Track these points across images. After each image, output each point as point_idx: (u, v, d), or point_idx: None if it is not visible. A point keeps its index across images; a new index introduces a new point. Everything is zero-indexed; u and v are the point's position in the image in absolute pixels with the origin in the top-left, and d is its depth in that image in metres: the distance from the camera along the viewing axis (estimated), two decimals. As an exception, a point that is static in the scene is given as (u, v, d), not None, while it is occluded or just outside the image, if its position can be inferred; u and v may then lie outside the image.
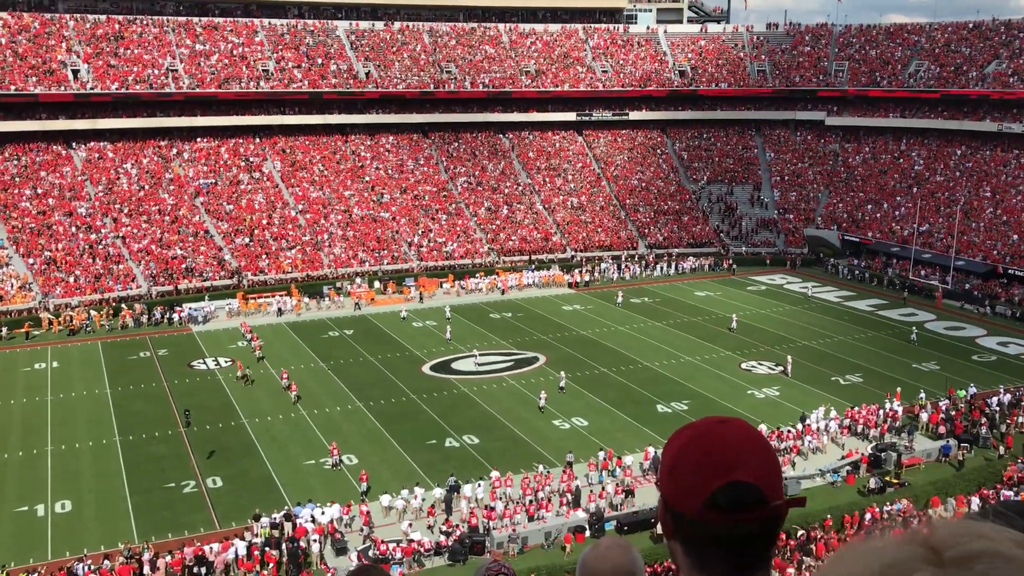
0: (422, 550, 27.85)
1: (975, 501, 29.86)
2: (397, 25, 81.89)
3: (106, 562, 26.72)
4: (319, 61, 75.86)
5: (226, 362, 46.72)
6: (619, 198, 77.17)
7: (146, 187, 65.64)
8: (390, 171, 74.17)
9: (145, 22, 73.02)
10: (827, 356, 48.13)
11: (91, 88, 67.03)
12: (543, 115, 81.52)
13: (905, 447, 35.24)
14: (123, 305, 54.50)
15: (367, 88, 75.64)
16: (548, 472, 32.53)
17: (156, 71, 69.90)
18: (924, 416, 37.91)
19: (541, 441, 36.68)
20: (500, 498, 30.85)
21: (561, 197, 76.05)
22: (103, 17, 72.26)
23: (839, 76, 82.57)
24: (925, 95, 76.59)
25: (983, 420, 37.37)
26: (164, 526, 29.66)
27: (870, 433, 36.89)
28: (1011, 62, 73.41)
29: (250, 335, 50.36)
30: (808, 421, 36.87)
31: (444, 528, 29.02)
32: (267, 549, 27.47)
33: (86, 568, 26.06)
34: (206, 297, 56.52)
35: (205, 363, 46.91)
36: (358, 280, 61.06)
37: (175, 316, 54.26)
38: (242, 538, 28.03)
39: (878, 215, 72.59)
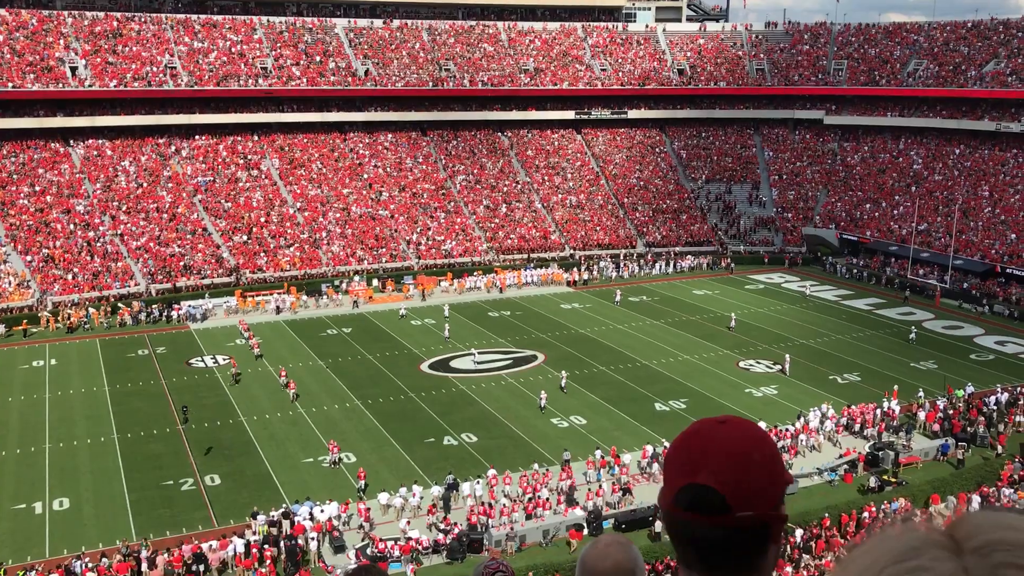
0: (420, 548, 27.88)
1: (975, 499, 29.93)
2: (396, 23, 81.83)
3: (104, 560, 26.73)
4: (318, 59, 75.78)
5: (224, 360, 46.73)
6: (618, 196, 77.16)
7: (144, 185, 65.58)
8: (388, 169, 74.13)
9: (143, 19, 72.91)
10: (825, 355, 48.17)
11: (89, 85, 66.94)
12: (542, 113, 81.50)
13: (903, 446, 35.29)
14: (121, 303, 54.50)
15: (366, 86, 75.61)
16: (547, 470, 32.56)
17: (154, 68, 69.81)
18: (922, 415, 37.97)
19: (539, 439, 36.71)
20: (504, 495, 30.83)
21: (560, 195, 76.04)
22: (101, 14, 72.12)
23: (838, 75, 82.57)
24: (923, 94, 76.67)
25: (981, 419, 37.42)
26: (162, 524, 29.67)
27: (868, 432, 36.94)
28: (1009, 61, 73.45)
29: (247, 333, 50.40)
30: (807, 420, 36.89)
31: (443, 526, 29.04)
32: (265, 546, 27.47)
33: (84, 566, 26.04)
34: (205, 295, 56.52)
35: (203, 361, 46.93)
36: (356, 278, 61.04)
37: (173, 314, 54.29)
38: (241, 536, 28.03)
39: (876, 214, 72.63)
